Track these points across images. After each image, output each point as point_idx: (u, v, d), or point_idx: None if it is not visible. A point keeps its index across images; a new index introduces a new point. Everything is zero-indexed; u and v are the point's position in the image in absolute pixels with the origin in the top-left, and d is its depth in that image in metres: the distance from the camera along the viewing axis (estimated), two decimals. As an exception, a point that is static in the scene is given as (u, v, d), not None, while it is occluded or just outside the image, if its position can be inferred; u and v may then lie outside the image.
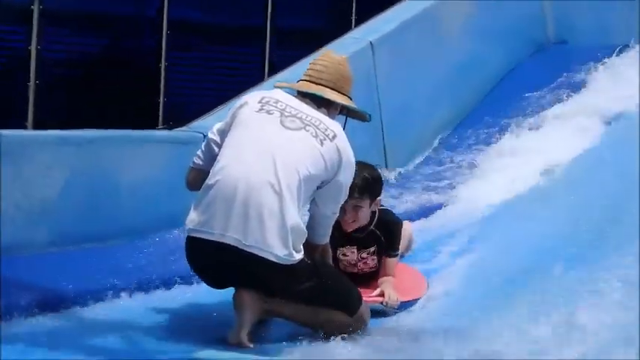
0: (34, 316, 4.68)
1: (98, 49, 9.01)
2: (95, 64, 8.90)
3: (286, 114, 4.70)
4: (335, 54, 5.06)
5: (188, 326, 4.72)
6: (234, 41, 9.88)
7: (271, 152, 4.54)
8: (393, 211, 5.64)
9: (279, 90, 4.89)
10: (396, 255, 5.39)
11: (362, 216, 5.19)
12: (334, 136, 4.68)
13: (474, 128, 8.13)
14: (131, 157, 5.97)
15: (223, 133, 4.76)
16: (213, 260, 4.56)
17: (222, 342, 4.49)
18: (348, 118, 5.06)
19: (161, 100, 9.20)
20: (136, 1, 9.23)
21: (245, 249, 4.47)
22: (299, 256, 4.55)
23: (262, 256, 4.47)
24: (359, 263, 5.39)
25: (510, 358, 4.14)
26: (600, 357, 4.02)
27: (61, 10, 8.48)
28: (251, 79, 8.91)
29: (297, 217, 4.51)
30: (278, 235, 4.47)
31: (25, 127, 8.10)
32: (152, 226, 5.84)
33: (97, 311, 4.88)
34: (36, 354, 4.23)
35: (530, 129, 7.85)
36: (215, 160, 4.66)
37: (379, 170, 5.35)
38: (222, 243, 4.48)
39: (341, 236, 5.22)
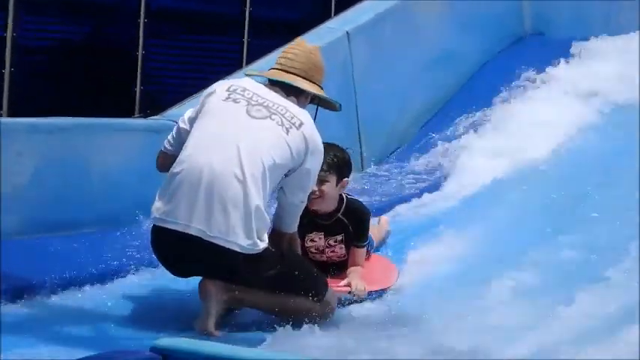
0: (1, 304, 4.68)
1: (75, 36, 9.00)
2: (72, 52, 8.88)
3: (253, 103, 4.70)
4: (307, 43, 5.06)
5: (155, 314, 4.72)
6: (212, 30, 9.87)
7: (236, 142, 4.55)
8: (364, 202, 5.64)
9: (248, 78, 4.91)
10: (364, 245, 5.40)
11: (327, 192, 5.18)
12: (300, 124, 4.68)
13: (450, 118, 8.14)
14: (103, 145, 5.95)
15: (192, 121, 4.77)
16: (178, 250, 4.58)
17: (190, 330, 4.50)
18: (319, 108, 5.07)
19: (137, 88, 9.17)
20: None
21: (209, 240, 4.49)
22: (263, 245, 4.56)
23: (227, 246, 4.49)
24: (327, 250, 5.40)
25: (471, 348, 4.18)
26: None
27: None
28: (230, 68, 8.89)
29: (261, 207, 4.53)
30: (242, 225, 4.49)
31: (-1, 115, 8.09)
32: (123, 213, 5.82)
33: (64, 299, 4.89)
34: (3, 342, 4.23)
35: (504, 121, 7.86)
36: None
37: (349, 154, 5.34)
38: (187, 234, 4.51)
39: (309, 223, 5.23)
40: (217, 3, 9.87)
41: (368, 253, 5.54)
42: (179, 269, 4.70)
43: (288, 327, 4.56)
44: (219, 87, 4.79)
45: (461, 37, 8.64)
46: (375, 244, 5.77)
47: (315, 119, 4.85)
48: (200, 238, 4.49)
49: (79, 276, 5.07)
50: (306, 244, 5.33)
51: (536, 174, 6.87)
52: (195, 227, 4.49)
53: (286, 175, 4.69)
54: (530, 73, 8.42)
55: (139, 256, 5.28)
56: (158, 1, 9.34)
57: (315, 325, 4.58)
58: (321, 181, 5.10)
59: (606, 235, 5.67)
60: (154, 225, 4.63)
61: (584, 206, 6.14)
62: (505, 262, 5.53)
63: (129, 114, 8.81)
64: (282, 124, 4.65)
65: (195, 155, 4.58)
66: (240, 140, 4.56)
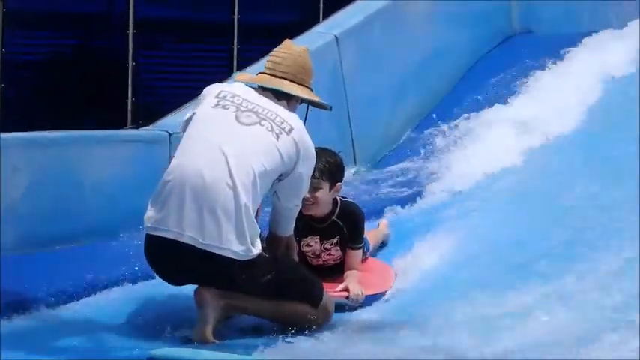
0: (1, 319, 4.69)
1: (65, 50, 8.99)
2: (62, 66, 8.87)
3: (242, 109, 4.70)
4: (294, 45, 5.06)
5: (152, 324, 4.72)
6: (201, 38, 9.87)
7: (225, 149, 4.56)
8: (358, 204, 5.64)
9: (238, 83, 4.90)
10: (360, 247, 5.40)
11: (320, 198, 5.19)
12: (290, 130, 4.68)
13: (442, 119, 8.13)
14: (96, 158, 5.97)
15: (185, 128, 4.79)
16: (172, 258, 4.58)
17: (187, 339, 4.51)
18: (309, 109, 5.07)
19: (129, 99, 9.17)
20: (102, 0, 9.21)
21: (202, 247, 4.49)
22: (257, 250, 4.56)
23: (220, 253, 4.49)
24: (323, 254, 5.39)
25: (471, 349, 4.18)
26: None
27: (24, 12, 8.45)
28: (220, 76, 8.89)
29: (251, 214, 4.53)
30: (234, 232, 4.49)
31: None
32: (119, 224, 5.83)
33: (61, 312, 4.90)
34: (3, 355, 4.23)
35: (497, 119, 7.86)
36: None
37: (341, 157, 5.34)
38: (179, 242, 4.51)
39: (304, 227, 5.24)
40: (205, 10, 9.86)
41: (364, 254, 5.54)
42: (173, 278, 4.70)
43: (286, 333, 4.55)
44: (209, 93, 4.79)
45: (451, 36, 8.66)
46: (371, 247, 5.77)
47: (305, 120, 4.85)
48: (193, 246, 4.49)
49: (75, 287, 5.08)
50: (302, 249, 5.33)
51: (524, 176, 6.88)
52: (188, 235, 4.50)
53: (279, 180, 4.69)
54: (519, 74, 8.43)
55: (135, 266, 5.28)
56: (146, 11, 9.33)
57: (313, 330, 4.58)
58: (314, 188, 5.10)
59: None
60: (146, 234, 4.64)
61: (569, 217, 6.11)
62: (504, 262, 5.53)
63: (122, 126, 8.81)
64: (272, 130, 4.65)
65: (184, 164, 4.58)
66: (229, 148, 4.55)
